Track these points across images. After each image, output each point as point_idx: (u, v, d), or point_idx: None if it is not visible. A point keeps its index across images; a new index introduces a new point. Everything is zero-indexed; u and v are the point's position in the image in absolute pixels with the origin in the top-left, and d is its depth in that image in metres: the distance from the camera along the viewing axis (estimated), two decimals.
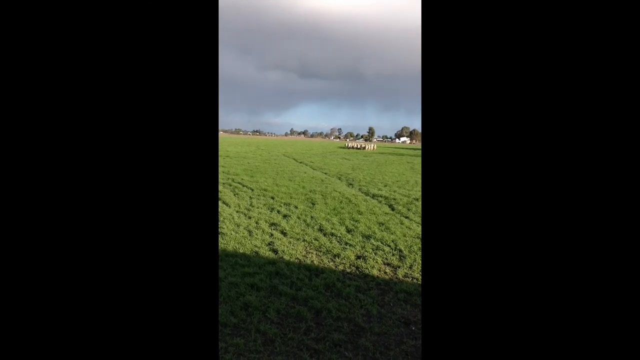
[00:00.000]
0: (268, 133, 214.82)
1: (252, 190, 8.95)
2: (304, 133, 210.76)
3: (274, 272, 3.89)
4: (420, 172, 15.36)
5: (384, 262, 4.43)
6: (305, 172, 13.45)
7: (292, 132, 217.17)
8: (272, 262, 4.18)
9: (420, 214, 7.00)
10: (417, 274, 4.08)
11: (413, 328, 2.99)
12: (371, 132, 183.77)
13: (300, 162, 18.11)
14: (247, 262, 4.16)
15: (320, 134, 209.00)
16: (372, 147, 39.95)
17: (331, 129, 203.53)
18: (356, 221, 6.23)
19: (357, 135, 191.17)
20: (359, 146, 40.54)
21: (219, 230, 5.35)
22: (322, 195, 8.55)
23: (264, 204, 7.36)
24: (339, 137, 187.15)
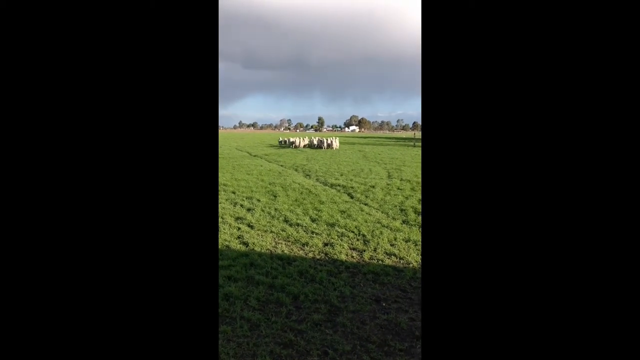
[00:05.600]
0: None
1: None
2: (253, 125, 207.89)
3: (248, 264, 4.05)
4: (372, 160, 15.89)
5: (350, 247, 4.71)
6: (261, 165, 13.51)
7: (240, 124, 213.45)
8: (244, 255, 4.33)
9: (377, 201, 7.38)
10: (382, 256, 4.40)
11: (383, 304, 3.28)
12: (321, 122, 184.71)
13: (255, 156, 18.08)
14: (220, 255, 4.28)
15: (270, 125, 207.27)
16: (335, 144, 24.48)
17: (281, 120, 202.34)
18: (319, 211, 6.48)
19: (307, 126, 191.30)
20: (312, 142, 25.21)
21: None
22: (283, 188, 8.72)
23: (226, 199, 7.42)
24: (289, 128, 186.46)
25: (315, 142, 25.12)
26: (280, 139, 29.86)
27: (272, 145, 27.11)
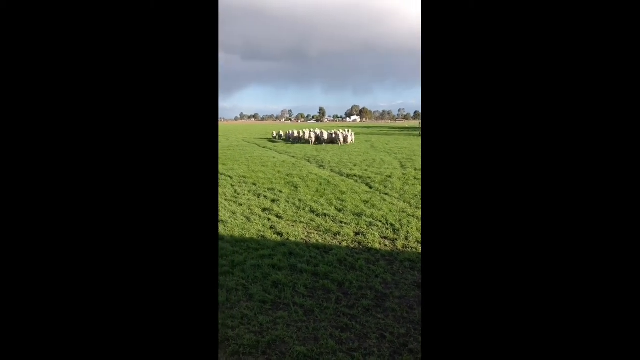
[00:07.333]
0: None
1: (231, 178, 9.05)
2: (255, 117, 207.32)
3: (287, 253, 4.18)
4: (381, 150, 15.96)
5: (381, 236, 4.84)
6: (274, 157, 13.61)
7: (242, 116, 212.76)
8: (282, 244, 4.46)
9: (396, 190, 7.48)
10: (414, 244, 4.52)
11: None
12: (322, 112, 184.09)
13: (264, 147, 18.17)
14: (259, 245, 4.41)
15: (271, 116, 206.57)
16: (350, 138, 20.30)
17: (282, 111, 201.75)
18: (342, 201, 6.60)
19: (308, 116, 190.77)
20: (320, 136, 20.01)
21: (218, 218, 5.51)
22: (301, 179, 8.83)
23: (249, 191, 7.54)
24: (290, 119, 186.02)
25: (325, 136, 19.98)
26: (274, 133, 25.17)
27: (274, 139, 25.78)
